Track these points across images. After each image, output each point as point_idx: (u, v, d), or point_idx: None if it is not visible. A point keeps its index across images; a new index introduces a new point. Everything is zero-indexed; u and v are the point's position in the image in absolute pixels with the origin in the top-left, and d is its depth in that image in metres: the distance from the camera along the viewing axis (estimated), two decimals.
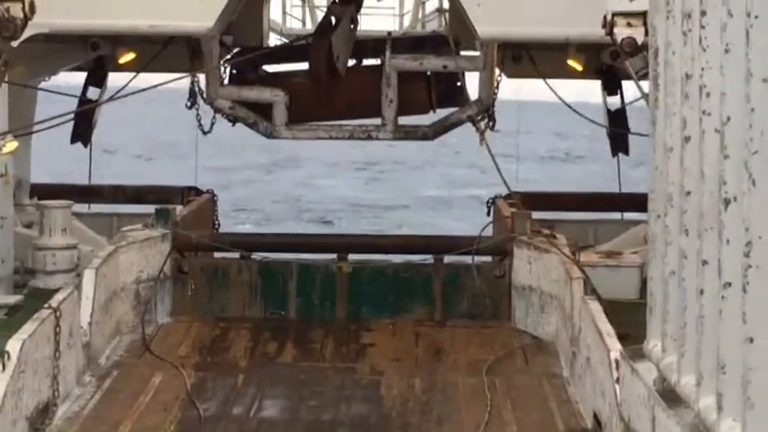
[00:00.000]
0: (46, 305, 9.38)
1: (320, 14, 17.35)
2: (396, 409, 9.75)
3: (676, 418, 6.09)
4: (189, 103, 14.46)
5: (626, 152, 15.94)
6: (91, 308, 10.43)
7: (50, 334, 9.19)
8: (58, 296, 9.76)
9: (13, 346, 8.38)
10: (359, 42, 14.34)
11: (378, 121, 14.30)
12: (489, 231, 13.64)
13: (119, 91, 13.80)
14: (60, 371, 9.31)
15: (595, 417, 8.98)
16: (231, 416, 9.53)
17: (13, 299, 10.92)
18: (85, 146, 15.64)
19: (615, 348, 8.46)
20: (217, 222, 15.61)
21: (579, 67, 14.28)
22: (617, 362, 8.14)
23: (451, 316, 12.38)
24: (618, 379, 8.03)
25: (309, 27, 20.55)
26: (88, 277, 10.68)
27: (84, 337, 10.20)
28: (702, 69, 5.67)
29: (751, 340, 4.73)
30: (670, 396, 6.37)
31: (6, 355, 8.22)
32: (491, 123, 14.19)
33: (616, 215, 16.02)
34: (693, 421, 5.80)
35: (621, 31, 10.60)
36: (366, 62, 14.69)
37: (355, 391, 10.23)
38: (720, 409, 5.21)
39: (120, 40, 13.81)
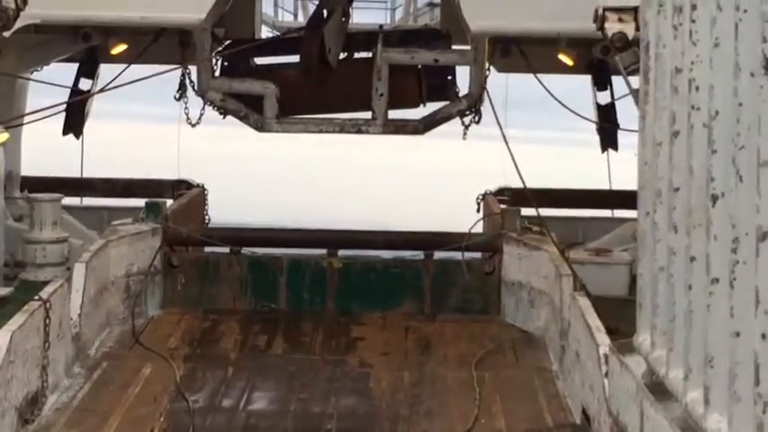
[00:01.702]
0: (36, 297, 9.38)
1: (312, 7, 17.33)
2: (385, 402, 9.77)
3: (664, 411, 6.11)
4: (177, 95, 14.44)
5: (615, 148, 15.97)
6: (81, 300, 10.43)
7: (40, 325, 9.19)
8: (48, 288, 9.75)
9: (2, 337, 8.38)
10: (350, 35, 14.32)
11: (368, 114, 14.30)
12: (479, 228, 13.65)
13: (110, 82, 13.79)
14: (50, 362, 9.31)
15: (584, 411, 9.01)
16: (221, 408, 9.54)
17: (2, 291, 10.92)
18: (77, 137, 15.61)
19: (604, 343, 8.48)
20: (207, 216, 15.61)
21: (570, 62, 14.30)
22: (606, 356, 8.16)
23: (441, 311, 12.40)
24: (607, 373, 8.05)
25: (301, 20, 20.54)
26: (78, 271, 10.68)
27: (73, 329, 10.20)
28: (692, 63, 5.69)
29: (737, 334, 4.75)
30: (659, 390, 6.39)
31: None
32: (476, 118, 14.19)
33: (606, 212, 16.04)
34: (681, 415, 5.82)
35: (612, 26, 10.61)
36: (357, 55, 14.68)
37: (345, 383, 10.24)
38: (707, 403, 5.23)
39: (111, 32, 13.78)
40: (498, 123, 13.00)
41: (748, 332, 4.59)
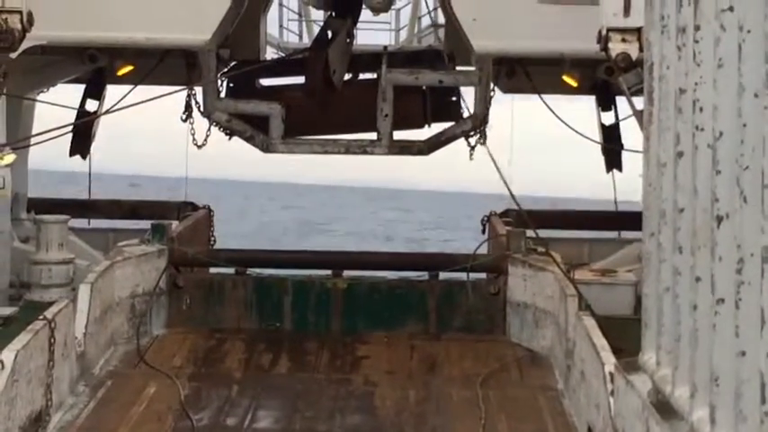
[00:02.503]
0: (41, 316, 9.40)
1: (317, 28, 17.41)
2: (390, 420, 9.76)
3: (670, 430, 6.11)
4: (184, 116, 14.51)
5: (620, 168, 15.98)
6: (86, 320, 10.45)
7: (45, 344, 9.20)
8: (53, 308, 9.79)
9: (7, 355, 8.40)
10: (355, 56, 14.39)
11: (373, 135, 14.34)
12: (484, 249, 13.67)
13: (116, 103, 13.85)
14: (54, 380, 9.32)
15: (589, 429, 9.01)
16: (225, 426, 9.53)
17: (7, 311, 10.94)
18: (84, 158, 15.66)
19: (610, 362, 8.48)
20: (213, 238, 15.64)
21: (574, 83, 14.34)
22: (611, 374, 8.16)
23: (446, 331, 12.40)
24: (612, 391, 8.05)
25: (306, 41, 20.61)
26: (84, 291, 10.71)
27: (78, 348, 10.21)
28: (696, 84, 5.70)
29: (743, 354, 4.75)
30: (664, 408, 6.39)
31: (0, 365, 8.24)
32: (482, 139, 14.23)
33: (611, 233, 16.04)
34: None
35: (616, 47, 10.64)
36: (362, 76, 14.73)
37: (349, 402, 10.24)
38: (713, 422, 5.23)
39: (117, 53, 13.85)
40: (472, 150, 13.10)
41: (754, 351, 4.60)
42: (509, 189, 12.45)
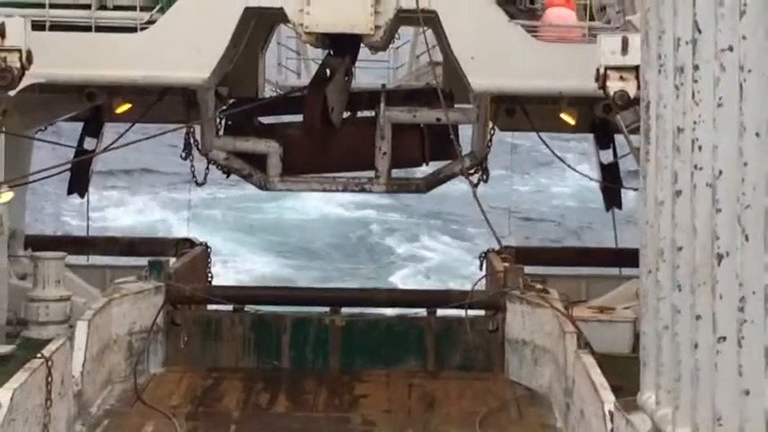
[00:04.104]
0: (38, 355, 9.35)
1: (315, 67, 17.45)
2: None
3: None
4: (183, 154, 14.50)
5: (619, 206, 15.95)
6: (83, 358, 10.40)
7: (42, 383, 9.15)
8: (51, 346, 9.74)
9: (3, 395, 8.36)
10: (353, 95, 14.41)
11: (371, 173, 14.35)
12: (482, 285, 13.64)
13: (114, 141, 13.85)
14: (51, 419, 9.26)
15: None
16: None
17: (4, 349, 10.89)
18: (82, 197, 15.64)
19: (609, 400, 8.45)
20: (210, 275, 15.60)
21: (572, 121, 14.36)
22: (611, 413, 8.12)
23: (444, 368, 12.35)
24: (612, 430, 8.01)
25: (304, 79, 20.67)
26: (81, 329, 10.66)
27: (75, 387, 10.16)
28: (695, 123, 5.71)
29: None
30: None
31: None
32: (484, 176, 14.24)
33: (608, 270, 16.01)
34: None
35: (614, 85, 10.68)
36: (360, 114, 14.76)
37: None
38: None
39: (116, 91, 13.86)
40: (474, 189, 13.12)
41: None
42: (492, 230, 12.45)
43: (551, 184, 36.67)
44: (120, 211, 31.52)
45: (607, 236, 15.82)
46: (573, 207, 33.51)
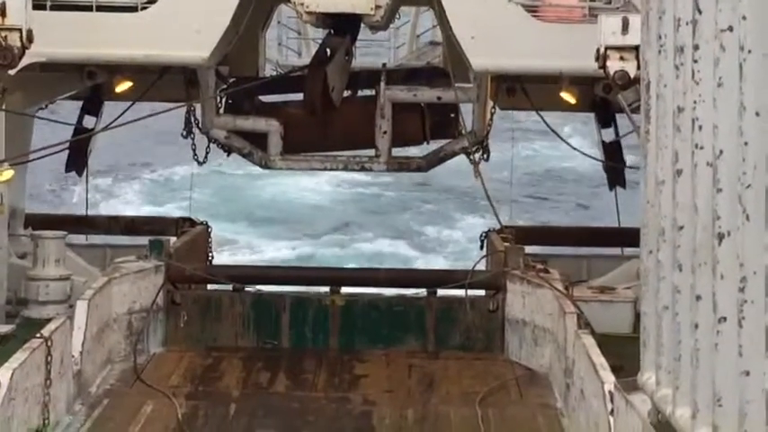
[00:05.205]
0: (37, 334, 9.36)
1: (315, 46, 17.40)
2: None
3: None
4: (184, 133, 14.48)
5: (623, 185, 15.89)
6: (83, 337, 10.40)
7: (41, 363, 9.16)
8: (50, 326, 9.75)
9: (3, 374, 8.37)
10: (354, 74, 14.38)
11: (372, 152, 14.33)
12: (483, 266, 13.64)
13: (114, 120, 13.83)
14: (51, 399, 9.27)
15: None
16: None
17: (4, 328, 10.90)
18: (80, 175, 15.62)
19: (609, 381, 8.45)
20: (210, 254, 15.59)
21: (572, 100, 14.33)
22: (611, 394, 8.13)
23: (444, 348, 12.36)
24: (612, 411, 8.02)
25: (305, 59, 20.62)
26: (81, 308, 10.66)
27: (75, 366, 10.17)
28: (695, 103, 5.69)
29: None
30: (664, 428, 6.36)
31: None
32: (485, 155, 14.21)
33: (609, 250, 15.99)
34: None
35: (614, 65, 10.66)
36: (361, 93, 14.73)
37: (348, 421, 10.20)
38: None
39: (116, 70, 13.83)
40: (476, 167, 13.06)
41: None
42: (494, 210, 12.44)
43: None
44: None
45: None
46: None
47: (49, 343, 9.31)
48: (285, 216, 30.38)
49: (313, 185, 32.84)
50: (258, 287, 12.84)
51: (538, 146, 35.68)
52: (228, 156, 14.64)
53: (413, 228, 29.81)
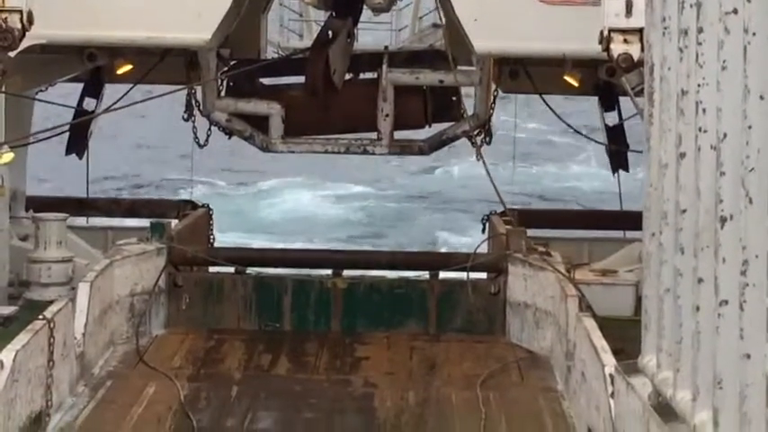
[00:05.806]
0: (40, 316, 9.38)
1: (317, 28, 17.41)
2: (390, 422, 9.75)
3: None
4: (185, 116, 14.46)
5: (626, 168, 15.88)
6: (85, 319, 10.43)
7: (44, 344, 9.18)
8: (53, 307, 9.77)
9: (6, 355, 8.39)
10: (356, 56, 14.36)
11: (374, 135, 14.32)
12: (485, 248, 13.64)
13: (115, 102, 13.81)
14: (54, 381, 9.30)
15: (590, 431, 8.98)
16: (225, 427, 9.52)
17: (7, 310, 10.92)
18: (80, 158, 15.60)
19: (610, 363, 8.47)
20: (212, 237, 15.61)
21: (576, 83, 14.30)
22: (612, 376, 8.14)
23: (446, 331, 12.37)
24: (612, 393, 8.03)
25: (307, 41, 20.61)
26: (83, 290, 10.68)
27: (77, 348, 10.19)
28: (699, 86, 5.69)
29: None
30: (665, 411, 6.38)
31: (0, 365, 8.23)
32: (487, 138, 14.20)
33: (611, 233, 15.99)
34: None
35: (618, 47, 10.63)
36: (363, 76, 14.70)
37: (349, 403, 10.23)
38: (716, 425, 5.21)
39: (117, 52, 13.80)
40: (478, 151, 13.04)
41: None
42: (498, 192, 12.44)
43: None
44: None
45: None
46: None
47: (52, 325, 9.33)
48: (303, 228, 30.49)
49: (319, 200, 33.23)
50: (260, 270, 12.86)
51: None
52: (230, 138, 14.61)
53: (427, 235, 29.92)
